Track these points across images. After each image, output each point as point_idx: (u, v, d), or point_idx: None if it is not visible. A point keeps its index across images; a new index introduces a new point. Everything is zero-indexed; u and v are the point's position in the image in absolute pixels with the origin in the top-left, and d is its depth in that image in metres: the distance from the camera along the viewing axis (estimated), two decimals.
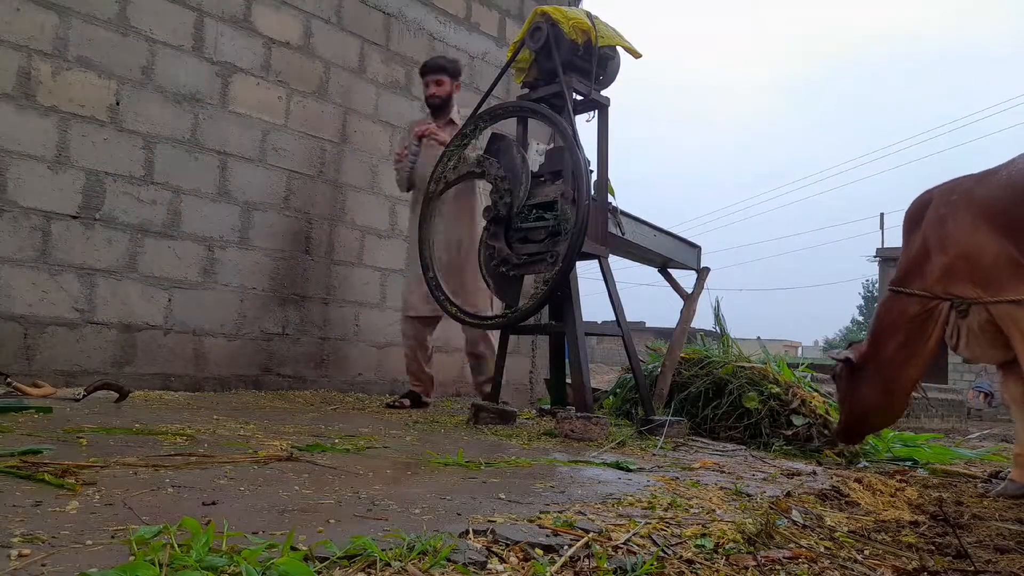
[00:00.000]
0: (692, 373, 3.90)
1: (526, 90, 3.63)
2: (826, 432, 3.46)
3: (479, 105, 3.61)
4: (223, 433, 2.39)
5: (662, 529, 1.42)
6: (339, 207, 4.79)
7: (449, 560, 1.08)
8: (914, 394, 2.96)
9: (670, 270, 4.14)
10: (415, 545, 1.10)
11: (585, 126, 3.49)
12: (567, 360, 3.79)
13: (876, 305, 3.13)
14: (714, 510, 1.67)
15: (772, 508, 1.80)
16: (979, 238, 2.60)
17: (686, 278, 4.14)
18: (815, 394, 3.72)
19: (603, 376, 10.99)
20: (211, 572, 0.92)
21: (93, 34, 3.72)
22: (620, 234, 3.54)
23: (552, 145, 3.67)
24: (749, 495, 1.93)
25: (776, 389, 3.64)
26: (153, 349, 3.91)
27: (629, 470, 2.22)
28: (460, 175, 3.58)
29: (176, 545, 0.98)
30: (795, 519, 1.77)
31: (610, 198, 3.51)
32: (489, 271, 3.45)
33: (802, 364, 4.62)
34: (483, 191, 4.25)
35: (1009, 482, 2.69)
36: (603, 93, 3.54)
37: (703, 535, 1.41)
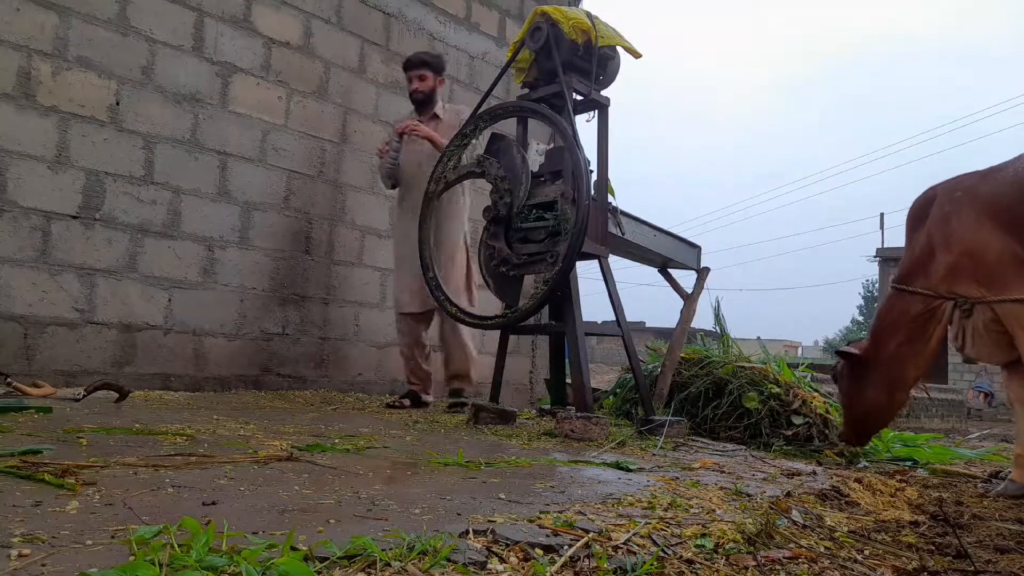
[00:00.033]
0: (692, 373, 3.90)
1: (526, 90, 3.63)
2: (826, 432, 3.46)
3: (479, 105, 3.61)
4: (223, 433, 2.39)
5: (662, 529, 1.42)
6: (339, 207, 4.79)
7: (449, 560, 1.08)
8: (917, 393, 2.94)
9: (670, 270, 4.14)
10: (415, 545, 1.10)
11: (585, 126, 3.50)
12: (567, 360, 3.79)
13: (877, 304, 3.13)
14: (714, 510, 1.67)
15: (772, 508, 1.80)
16: (983, 236, 2.56)
17: (686, 278, 4.15)
18: (815, 394, 3.72)
19: (603, 376, 10.98)
20: (211, 572, 0.92)
21: (93, 34, 3.72)
22: (620, 234, 3.54)
23: (552, 145, 3.66)
24: (749, 495, 1.93)
25: (776, 389, 3.64)
26: (153, 349, 3.91)
27: (629, 470, 2.22)
28: (460, 175, 3.59)
29: (176, 545, 0.98)
30: (795, 519, 1.77)
31: (610, 198, 3.51)
32: (489, 271, 3.45)
33: (802, 364, 4.63)
34: (471, 191, 4.24)
35: (1009, 482, 2.69)
36: (603, 93, 3.54)
37: (703, 535, 1.41)
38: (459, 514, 1.39)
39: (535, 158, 3.45)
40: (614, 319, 3.48)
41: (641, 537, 1.35)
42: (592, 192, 3.20)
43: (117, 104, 3.80)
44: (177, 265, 4.01)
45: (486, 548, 1.17)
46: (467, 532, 1.23)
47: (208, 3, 4.15)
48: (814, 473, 2.65)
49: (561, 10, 3.40)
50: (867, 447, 3.49)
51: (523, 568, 1.12)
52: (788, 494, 2.06)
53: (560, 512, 1.46)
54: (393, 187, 4.31)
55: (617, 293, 3.43)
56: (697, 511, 1.63)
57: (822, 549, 1.57)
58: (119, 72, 3.81)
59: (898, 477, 2.94)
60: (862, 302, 49.47)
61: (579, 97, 3.49)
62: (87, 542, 1.04)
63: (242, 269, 4.28)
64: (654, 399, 3.68)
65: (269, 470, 1.77)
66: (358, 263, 4.88)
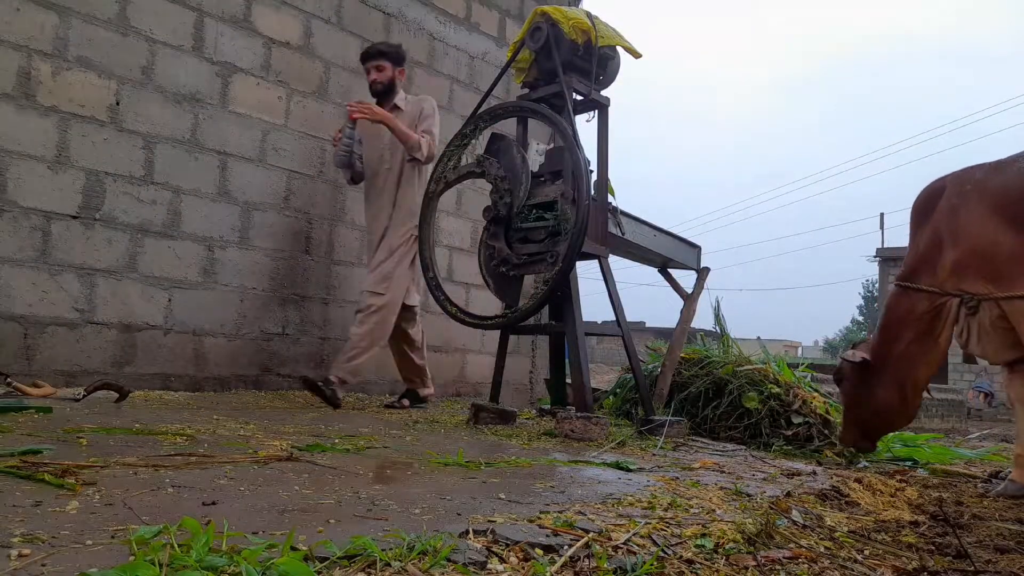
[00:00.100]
0: (692, 373, 3.90)
1: (526, 90, 3.63)
2: (826, 432, 3.46)
3: (479, 105, 3.61)
4: (223, 433, 2.39)
5: (662, 529, 1.42)
6: (339, 207, 4.79)
7: (449, 560, 1.08)
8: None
9: (670, 270, 4.14)
10: (415, 545, 1.10)
11: (585, 126, 3.50)
12: (567, 360, 3.79)
13: (877, 304, 3.10)
14: (714, 510, 1.67)
15: (772, 508, 1.80)
16: (991, 231, 2.50)
17: (686, 278, 4.15)
18: (815, 394, 3.72)
19: (603, 376, 10.98)
20: (211, 572, 0.92)
21: (93, 34, 3.72)
22: (620, 234, 3.54)
23: (552, 145, 3.66)
24: (749, 495, 1.93)
25: (776, 389, 3.64)
26: (153, 349, 3.91)
27: (629, 470, 2.22)
28: (460, 175, 3.59)
29: (176, 545, 0.98)
30: (795, 519, 1.77)
31: (610, 198, 3.52)
32: (489, 271, 3.45)
33: (802, 364, 4.63)
34: (423, 180, 4.04)
35: (1009, 482, 2.67)
36: (603, 93, 3.54)
37: (703, 535, 1.41)
38: (459, 514, 1.39)
39: (535, 158, 3.45)
40: (614, 319, 3.48)
41: (641, 537, 1.35)
42: (592, 192, 3.20)
43: (117, 104, 3.80)
44: (177, 265, 4.01)
45: (486, 548, 1.17)
46: (467, 532, 1.23)
47: (208, 3, 4.15)
48: (814, 473, 2.65)
49: (561, 10, 3.40)
50: (869, 448, 3.48)
51: (523, 568, 1.12)
52: (788, 494, 2.06)
53: (560, 512, 1.46)
54: (352, 181, 4.19)
55: (617, 293, 3.43)
56: (697, 511, 1.64)
57: (822, 549, 1.57)
58: (119, 72, 3.81)
59: (898, 477, 2.94)
60: (862, 302, 49.49)
61: (579, 97, 3.49)
62: (87, 542, 1.04)
63: (242, 269, 4.28)
64: (654, 399, 3.68)
65: (269, 470, 1.77)
66: (358, 263, 4.88)
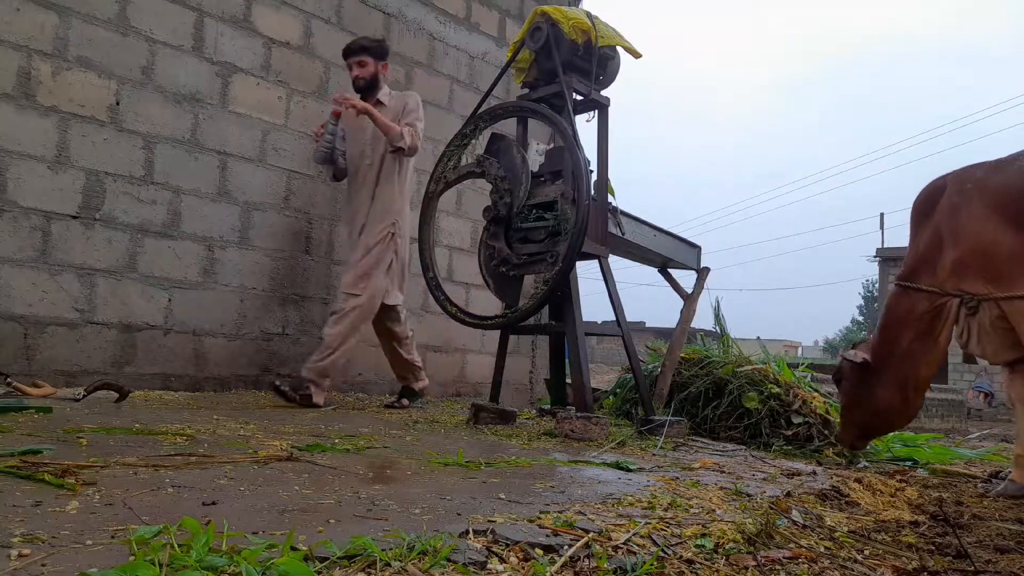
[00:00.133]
0: (692, 373, 3.90)
1: (526, 90, 3.63)
2: (826, 432, 3.45)
3: (479, 105, 3.61)
4: (223, 433, 2.39)
5: (662, 529, 1.42)
6: (339, 207, 4.79)
7: (449, 560, 1.08)
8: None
9: (670, 270, 4.14)
10: (415, 545, 1.10)
11: (585, 126, 3.50)
12: (567, 360, 3.79)
13: (878, 304, 3.09)
14: (714, 510, 1.67)
15: (772, 508, 1.80)
16: (991, 230, 2.49)
17: (686, 278, 4.15)
18: (815, 394, 3.72)
19: (603, 376, 10.98)
20: (211, 572, 0.92)
21: (93, 34, 3.72)
22: (620, 234, 3.54)
23: (552, 145, 3.67)
24: (749, 495, 1.93)
25: (776, 389, 3.64)
26: (153, 349, 3.91)
27: (629, 470, 2.22)
28: (460, 175, 3.59)
29: (176, 545, 0.98)
30: (795, 519, 1.77)
31: (610, 198, 3.52)
32: (489, 271, 3.45)
33: (802, 364, 4.63)
34: (409, 178, 4.05)
35: (1009, 482, 2.67)
36: (603, 93, 3.54)
37: (703, 535, 1.41)
38: (459, 514, 1.39)
39: (535, 158, 3.45)
40: (614, 319, 3.48)
41: (641, 537, 1.35)
42: (592, 192, 3.20)
43: (117, 104, 3.80)
44: (177, 265, 4.01)
45: (486, 548, 1.17)
46: (467, 532, 1.23)
47: (208, 3, 4.15)
48: (814, 473, 2.65)
49: (561, 10, 3.40)
50: (867, 447, 3.48)
51: (523, 568, 1.12)
52: (788, 494, 2.06)
53: (560, 512, 1.46)
54: (335, 177, 4.17)
55: (617, 293, 3.43)
56: (697, 511, 1.64)
57: (822, 549, 1.57)
58: (119, 72, 3.81)
59: (898, 477, 2.94)
60: (862, 302, 49.48)
61: (579, 97, 3.49)
62: (87, 542, 1.04)
63: (242, 269, 4.28)
64: (654, 399, 3.68)
65: (269, 470, 1.77)
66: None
